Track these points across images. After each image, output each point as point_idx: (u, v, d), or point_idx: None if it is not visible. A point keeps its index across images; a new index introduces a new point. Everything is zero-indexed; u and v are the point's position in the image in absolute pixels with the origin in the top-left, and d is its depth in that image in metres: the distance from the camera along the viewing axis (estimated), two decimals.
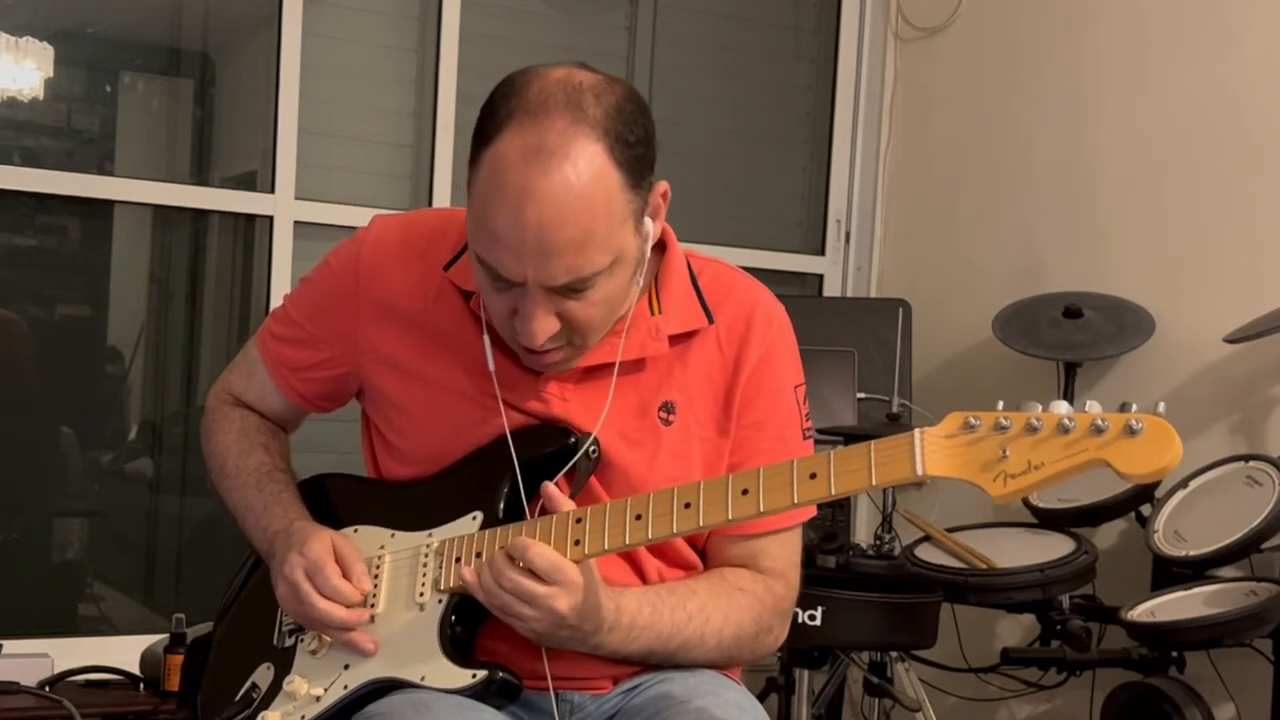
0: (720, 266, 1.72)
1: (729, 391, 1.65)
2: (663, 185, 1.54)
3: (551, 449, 1.59)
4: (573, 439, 1.59)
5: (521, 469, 1.59)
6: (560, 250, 1.43)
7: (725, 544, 1.67)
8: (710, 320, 1.65)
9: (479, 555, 1.55)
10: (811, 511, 1.73)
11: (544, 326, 1.49)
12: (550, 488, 1.53)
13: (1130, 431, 1.28)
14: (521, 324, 1.50)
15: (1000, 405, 1.34)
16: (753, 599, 1.65)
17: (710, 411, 1.64)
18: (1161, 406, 1.30)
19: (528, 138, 1.43)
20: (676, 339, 1.63)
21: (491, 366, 1.60)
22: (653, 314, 1.62)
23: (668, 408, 1.63)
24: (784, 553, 1.69)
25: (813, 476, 1.41)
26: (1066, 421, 1.30)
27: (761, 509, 1.42)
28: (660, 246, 1.66)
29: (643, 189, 1.49)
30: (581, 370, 1.61)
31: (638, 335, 1.61)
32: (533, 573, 1.47)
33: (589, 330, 1.53)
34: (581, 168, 1.42)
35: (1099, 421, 1.29)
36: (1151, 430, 1.28)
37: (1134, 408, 1.30)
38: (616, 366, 1.60)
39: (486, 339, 1.60)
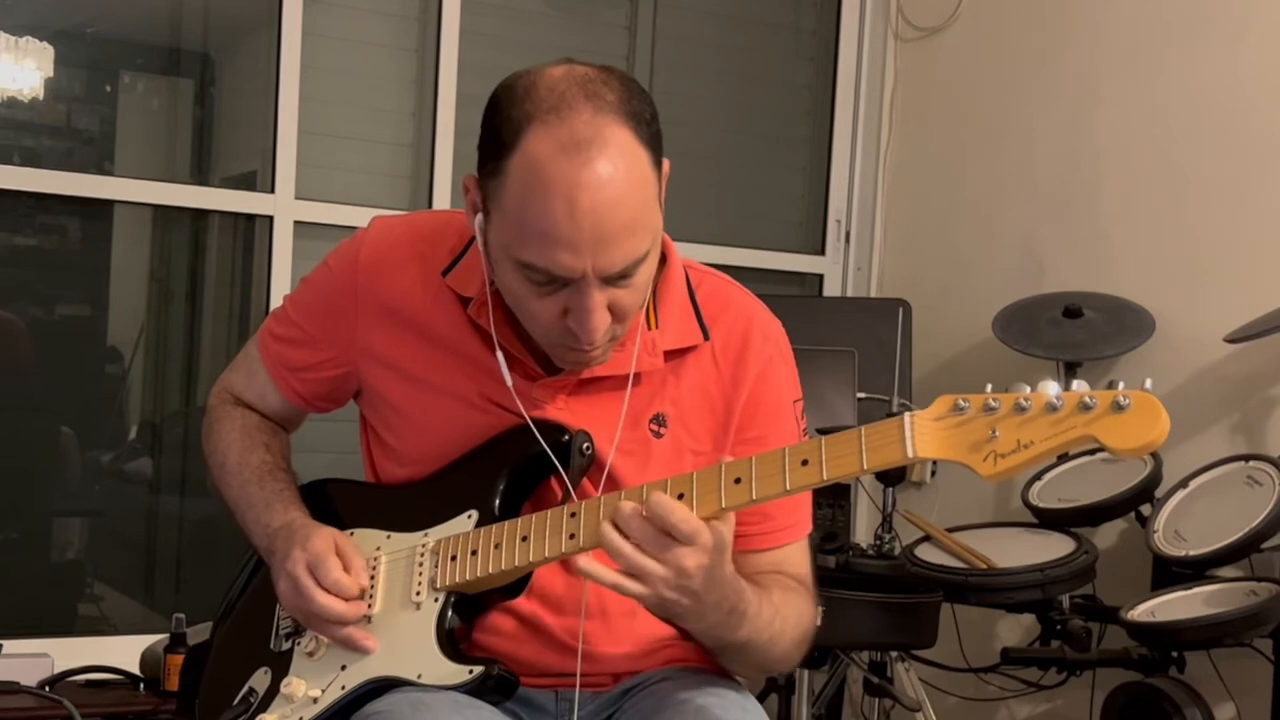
0: (717, 280, 1.71)
1: (727, 407, 1.64)
2: (665, 165, 1.54)
3: (546, 447, 1.58)
4: (566, 436, 1.58)
5: (516, 467, 1.59)
6: (616, 236, 1.43)
7: (748, 559, 1.64)
8: (706, 337, 1.64)
9: (474, 553, 1.55)
10: (809, 525, 1.71)
11: (603, 318, 1.48)
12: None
13: (1118, 407, 1.29)
14: (580, 321, 1.48)
15: (989, 388, 1.35)
16: (806, 598, 1.64)
17: (705, 426, 1.64)
18: (1149, 383, 1.30)
19: (557, 133, 1.42)
20: (671, 354, 1.63)
21: (509, 382, 1.59)
22: (650, 328, 1.62)
23: (659, 420, 1.63)
24: (804, 561, 1.69)
25: (804, 463, 1.41)
26: (1054, 400, 1.31)
27: (754, 496, 1.42)
28: (660, 258, 1.66)
29: (661, 167, 1.50)
30: (576, 381, 1.61)
31: (636, 350, 1.60)
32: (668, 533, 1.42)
33: (629, 315, 1.53)
34: (620, 152, 1.43)
35: (1086, 399, 1.30)
36: (1139, 405, 1.29)
37: (1121, 385, 1.30)
38: (631, 378, 1.60)
39: (501, 356, 1.59)
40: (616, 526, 1.43)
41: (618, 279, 1.47)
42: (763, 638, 1.56)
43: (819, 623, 1.69)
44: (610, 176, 1.42)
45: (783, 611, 1.58)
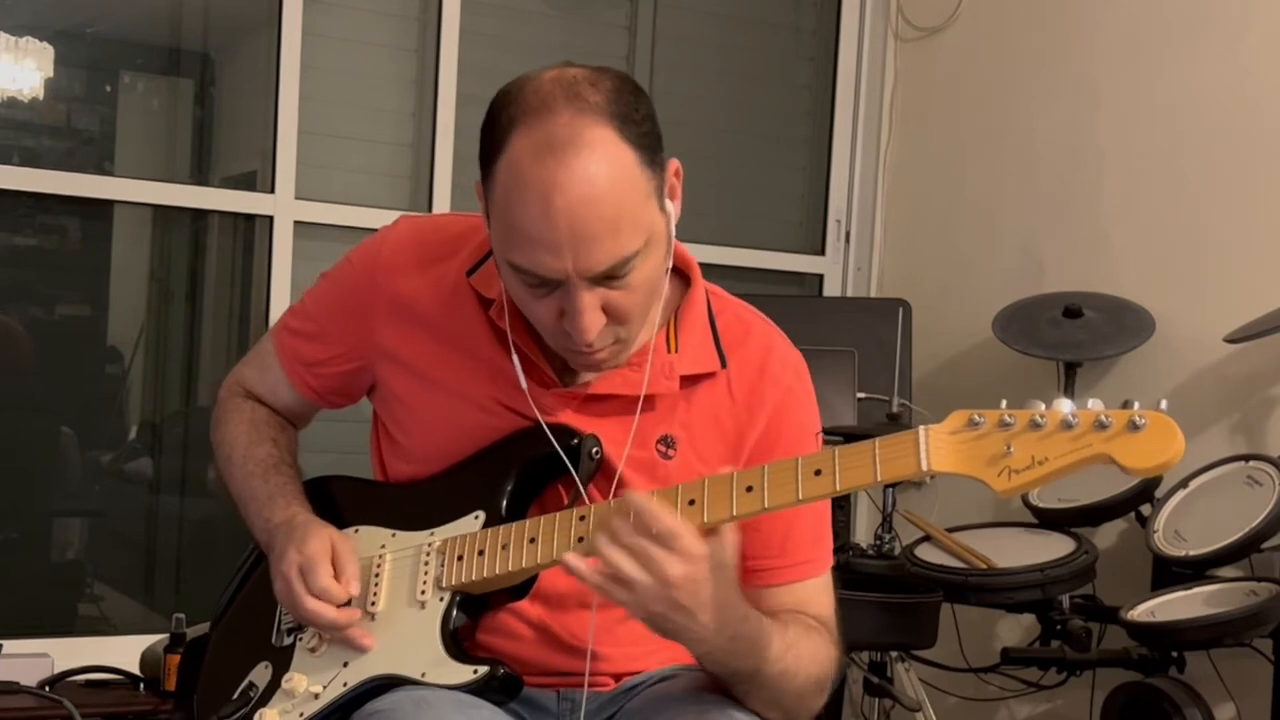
0: (739, 308, 1.71)
1: (739, 436, 1.63)
2: (674, 163, 1.54)
3: (554, 449, 1.58)
4: (575, 440, 1.58)
5: (524, 468, 1.59)
6: (595, 235, 1.43)
7: (769, 595, 1.62)
8: (723, 364, 1.64)
9: (481, 553, 1.55)
10: (830, 560, 1.69)
11: (593, 320, 1.48)
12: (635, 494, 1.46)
13: (1134, 427, 1.30)
14: (572, 321, 1.48)
15: (1004, 404, 1.35)
16: (824, 640, 1.61)
17: (717, 453, 1.62)
18: (1164, 403, 1.31)
19: (536, 136, 1.43)
20: (687, 379, 1.62)
21: (524, 384, 1.59)
22: (669, 351, 1.62)
23: (667, 441, 1.62)
24: (828, 601, 1.66)
25: (818, 473, 1.40)
26: (1070, 418, 1.32)
27: (765, 505, 1.42)
28: (685, 280, 1.66)
29: (657, 166, 1.49)
30: (584, 395, 1.61)
31: (652, 371, 1.60)
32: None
33: (632, 317, 1.52)
34: (598, 152, 1.42)
35: (1102, 418, 1.31)
36: (1154, 425, 1.30)
37: (1137, 405, 1.31)
38: (641, 401, 1.59)
39: (516, 359, 1.59)
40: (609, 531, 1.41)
41: (607, 279, 1.46)
42: (774, 670, 1.52)
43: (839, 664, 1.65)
44: (588, 176, 1.42)
45: (797, 648, 1.54)
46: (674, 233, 1.56)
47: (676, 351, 1.62)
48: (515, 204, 1.44)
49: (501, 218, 1.47)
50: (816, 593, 1.65)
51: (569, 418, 1.60)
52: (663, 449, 1.61)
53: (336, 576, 1.57)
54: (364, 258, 1.71)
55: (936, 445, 1.35)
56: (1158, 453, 1.29)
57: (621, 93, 1.47)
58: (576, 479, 1.58)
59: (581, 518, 1.50)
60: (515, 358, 1.59)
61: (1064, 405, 1.33)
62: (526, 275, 1.47)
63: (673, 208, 1.54)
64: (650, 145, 1.47)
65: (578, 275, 1.45)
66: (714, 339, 1.64)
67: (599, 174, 1.42)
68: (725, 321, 1.67)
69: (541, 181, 1.42)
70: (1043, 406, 1.34)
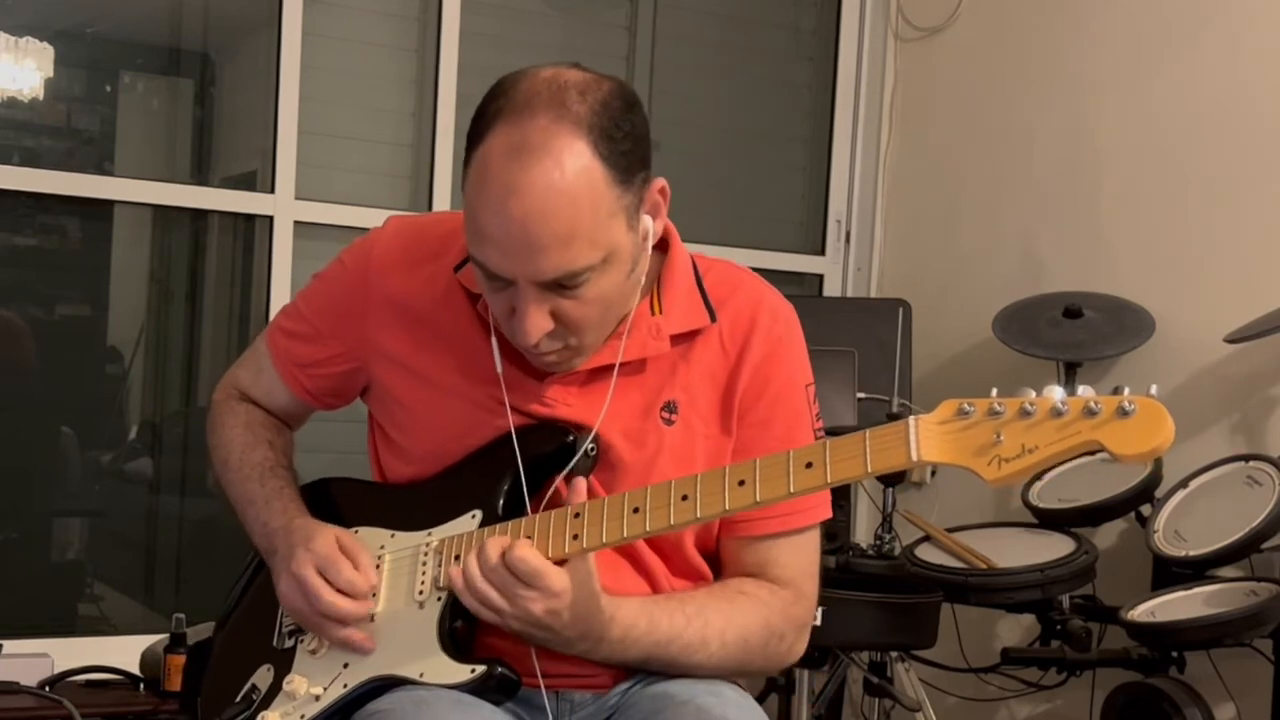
0: (726, 265, 1.71)
1: (729, 388, 1.64)
2: (660, 182, 1.54)
3: (551, 448, 1.59)
4: (571, 437, 1.59)
5: (521, 467, 1.59)
6: (546, 246, 1.44)
7: (737, 548, 1.66)
8: (713, 318, 1.64)
9: None
10: (823, 513, 1.69)
11: (537, 324, 1.49)
12: (580, 482, 1.53)
13: (1123, 413, 1.29)
14: (516, 322, 1.51)
15: (994, 393, 1.35)
16: (757, 602, 1.63)
17: (713, 409, 1.64)
18: (1154, 389, 1.31)
19: (511, 136, 1.44)
20: (679, 338, 1.63)
21: (499, 369, 1.60)
22: (654, 314, 1.62)
23: (670, 407, 1.62)
24: (794, 561, 1.67)
25: (809, 465, 1.41)
26: (1060, 405, 1.31)
27: (758, 499, 1.42)
28: (663, 246, 1.66)
29: (633, 185, 1.49)
30: (585, 374, 1.61)
31: (639, 336, 1.61)
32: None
33: (584, 329, 1.53)
34: (565, 163, 1.43)
35: (1092, 404, 1.30)
36: (1144, 411, 1.29)
37: (1127, 391, 1.30)
38: (616, 368, 1.60)
39: (494, 342, 1.60)
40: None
41: (558, 287, 1.47)
42: (669, 650, 1.57)
43: (818, 622, 1.68)
44: (548, 184, 1.42)
45: (704, 617, 1.58)
46: (648, 249, 1.56)
47: (661, 313, 1.62)
48: (479, 198, 1.46)
49: (468, 206, 1.49)
50: (786, 551, 1.66)
51: (572, 398, 1.61)
52: (666, 415, 1.62)
53: (354, 568, 1.59)
54: (355, 258, 1.72)
55: (926, 435, 1.36)
56: (1148, 438, 1.28)
57: (609, 106, 1.47)
58: (574, 476, 1.58)
59: (576, 515, 1.51)
60: (494, 339, 1.59)
61: (1054, 393, 1.32)
62: (481, 269, 1.50)
63: (653, 226, 1.54)
64: (626, 164, 1.47)
65: (524, 280, 1.46)
66: (702, 296, 1.65)
67: (560, 185, 1.43)
68: (713, 279, 1.67)
69: (503, 183, 1.43)
70: (1033, 394, 1.33)
